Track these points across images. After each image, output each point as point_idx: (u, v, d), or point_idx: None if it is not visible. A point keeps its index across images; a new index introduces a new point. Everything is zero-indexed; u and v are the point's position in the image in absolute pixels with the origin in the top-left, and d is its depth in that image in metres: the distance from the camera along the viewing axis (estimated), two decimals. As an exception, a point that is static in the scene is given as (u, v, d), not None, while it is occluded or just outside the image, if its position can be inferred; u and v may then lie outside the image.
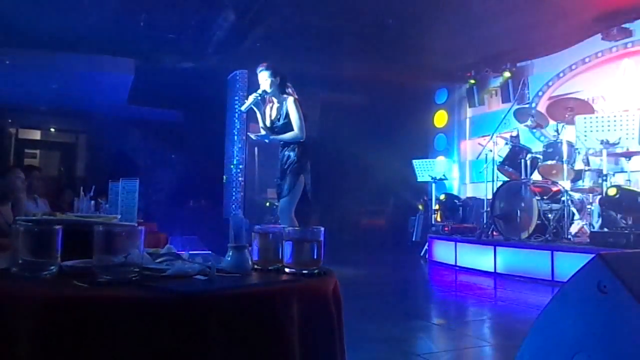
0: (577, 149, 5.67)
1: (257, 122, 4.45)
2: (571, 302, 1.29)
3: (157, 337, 0.97)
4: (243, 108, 4.40)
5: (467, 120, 9.39)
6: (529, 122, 6.29)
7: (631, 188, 5.18)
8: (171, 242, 3.14)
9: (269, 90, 4.22)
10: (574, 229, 5.67)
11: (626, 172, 5.53)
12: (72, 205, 3.97)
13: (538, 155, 6.00)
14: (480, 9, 6.38)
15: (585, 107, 5.95)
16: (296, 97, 4.24)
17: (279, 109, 4.25)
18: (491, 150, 6.52)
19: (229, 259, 1.32)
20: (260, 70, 4.26)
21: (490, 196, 6.39)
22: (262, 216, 8.39)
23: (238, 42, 7.39)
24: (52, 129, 11.60)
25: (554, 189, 5.80)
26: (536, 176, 6.13)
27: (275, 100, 4.28)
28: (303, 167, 4.20)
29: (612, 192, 5.05)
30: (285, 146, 4.28)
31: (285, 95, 4.22)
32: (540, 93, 7.94)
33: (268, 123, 4.32)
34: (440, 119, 9.73)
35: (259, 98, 4.22)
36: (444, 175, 7.89)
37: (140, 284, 1.11)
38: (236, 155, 8.24)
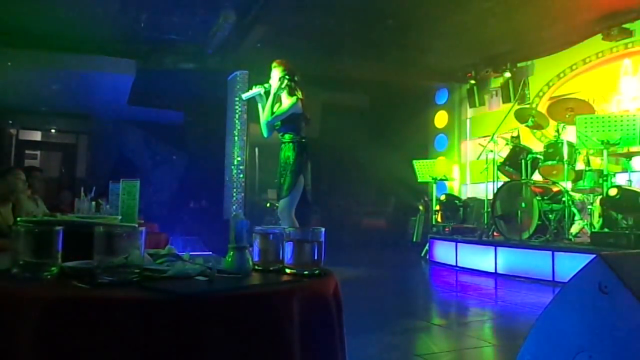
0: (577, 149, 5.67)
1: (258, 122, 4.47)
2: (572, 303, 1.29)
3: (158, 337, 0.97)
4: (244, 96, 4.43)
5: (468, 121, 9.39)
6: (529, 123, 6.29)
7: (632, 188, 5.18)
8: (172, 243, 3.14)
9: (274, 87, 4.24)
10: (574, 229, 5.67)
11: (627, 172, 5.53)
12: (72, 205, 3.98)
13: (539, 156, 6.00)
14: (480, 9, 6.38)
15: (585, 107, 5.95)
16: (302, 97, 4.25)
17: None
18: (492, 151, 6.51)
19: (230, 259, 1.32)
20: (275, 66, 4.28)
21: (491, 197, 6.38)
22: (262, 217, 8.40)
23: (238, 42, 7.39)
24: (53, 130, 11.61)
25: (555, 189, 5.79)
26: (537, 176, 6.12)
27: (281, 99, 4.30)
28: (302, 167, 4.21)
29: (613, 192, 5.04)
30: (284, 146, 4.29)
31: (291, 97, 4.24)
32: (540, 93, 7.94)
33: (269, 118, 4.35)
34: (441, 119, 9.73)
35: (263, 91, 4.24)
36: (444, 175, 7.89)
37: (141, 284, 1.11)
38: (237, 155, 8.24)
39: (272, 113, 4.25)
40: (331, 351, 1.24)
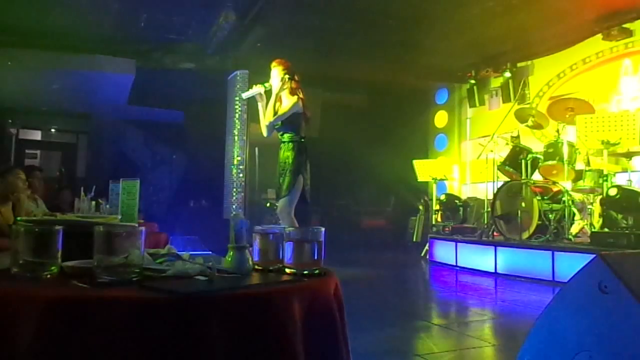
0: (577, 149, 5.67)
1: (258, 122, 4.46)
2: (572, 302, 1.28)
3: (157, 337, 0.97)
4: (244, 95, 4.44)
5: (468, 121, 9.39)
6: (529, 122, 6.29)
7: (632, 188, 5.17)
8: (172, 243, 3.14)
9: (276, 87, 4.23)
10: (574, 229, 5.67)
11: (627, 172, 5.53)
12: (71, 205, 3.98)
13: (539, 156, 6.00)
14: (481, 9, 6.38)
15: (585, 107, 5.95)
16: (302, 97, 4.25)
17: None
18: (492, 151, 6.51)
19: (230, 259, 1.32)
20: (274, 66, 4.28)
21: (490, 196, 6.38)
22: (262, 217, 8.40)
23: (238, 42, 7.39)
24: (53, 130, 11.60)
25: (555, 189, 5.79)
26: (537, 176, 6.13)
27: (282, 99, 4.29)
28: (302, 167, 4.21)
29: (612, 192, 5.04)
30: (284, 146, 4.29)
31: (292, 96, 4.24)
32: (540, 93, 7.94)
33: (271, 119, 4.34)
34: (441, 119, 9.73)
35: (263, 91, 4.24)
36: (444, 175, 7.89)
37: (141, 284, 1.11)
38: (237, 155, 8.24)
39: (275, 114, 4.25)
40: (335, 351, 1.23)
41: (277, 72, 4.26)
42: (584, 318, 1.23)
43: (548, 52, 7.74)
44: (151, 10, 6.55)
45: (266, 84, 4.25)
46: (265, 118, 4.28)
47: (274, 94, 4.25)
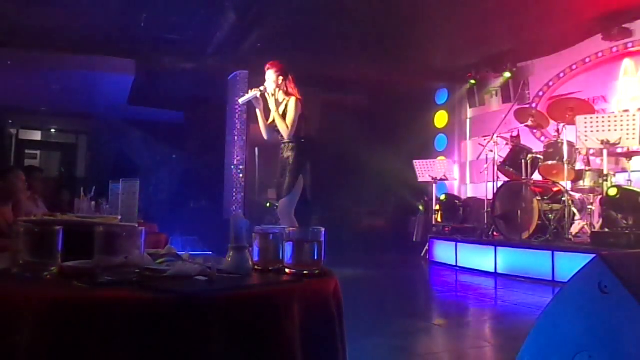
0: (577, 149, 5.68)
1: (257, 122, 4.46)
2: (572, 302, 1.29)
3: (157, 338, 0.97)
4: (240, 100, 4.44)
5: (468, 121, 9.39)
6: (529, 123, 6.29)
7: (632, 188, 5.18)
8: (172, 243, 3.14)
9: (271, 90, 4.23)
10: (574, 229, 5.67)
11: (627, 172, 5.53)
12: (71, 205, 3.98)
13: (539, 156, 6.00)
14: (481, 9, 6.38)
15: (585, 107, 5.95)
16: (299, 97, 4.25)
17: (283, 110, 4.26)
18: (492, 151, 6.52)
19: (230, 259, 1.32)
20: (268, 69, 4.28)
21: (491, 196, 6.39)
22: (262, 217, 8.40)
23: (238, 42, 7.39)
24: (53, 130, 11.62)
25: (555, 189, 5.80)
26: (537, 176, 6.13)
27: (279, 100, 4.29)
28: (302, 167, 4.21)
29: (612, 192, 5.05)
30: (284, 146, 4.29)
31: (289, 97, 4.24)
32: (540, 93, 7.94)
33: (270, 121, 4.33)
34: (441, 119, 9.73)
35: (259, 94, 4.23)
36: (444, 175, 7.89)
37: (141, 284, 1.10)
38: (236, 155, 8.24)
39: (287, 127, 4.21)
40: (332, 351, 1.24)
41: (270, 75, 4.26)
42: (584, 318, 1.23)
43: (548, 52, 7.74)
44: (151, 10, 6.55)
45: (261, 88, 4.24)
46: (282, 131, 4.24)
47: (273, 108, 4.24)
